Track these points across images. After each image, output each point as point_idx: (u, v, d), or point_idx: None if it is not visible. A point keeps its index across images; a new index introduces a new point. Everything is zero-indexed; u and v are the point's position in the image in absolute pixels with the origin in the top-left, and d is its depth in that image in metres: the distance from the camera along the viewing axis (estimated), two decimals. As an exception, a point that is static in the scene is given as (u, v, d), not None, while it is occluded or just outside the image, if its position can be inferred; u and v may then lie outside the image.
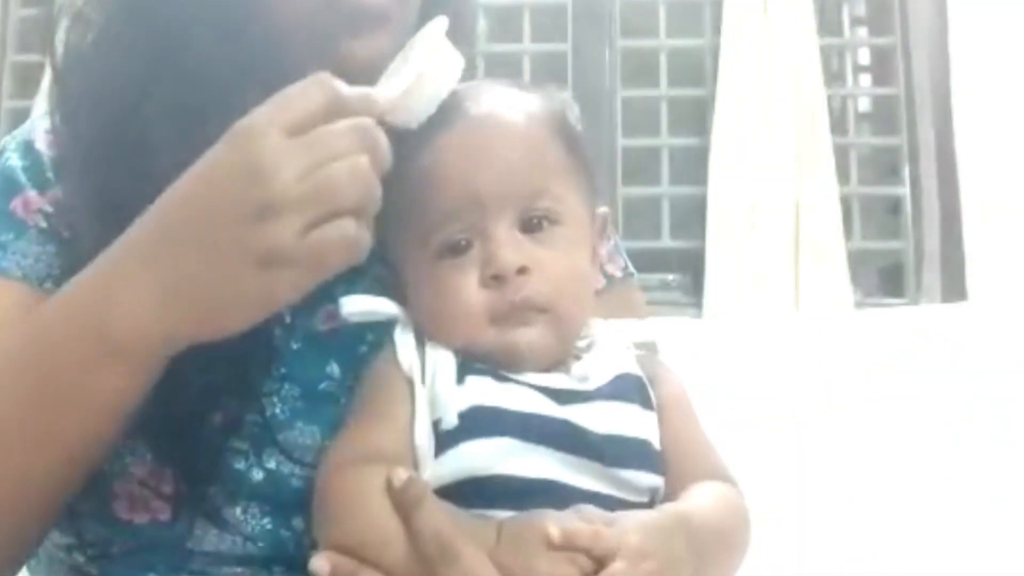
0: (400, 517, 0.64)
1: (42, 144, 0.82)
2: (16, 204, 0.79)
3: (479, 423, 0.68)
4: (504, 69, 2.13)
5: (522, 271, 0.70)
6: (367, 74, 0.74)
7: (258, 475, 0.74)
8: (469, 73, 0.75)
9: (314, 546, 0.68)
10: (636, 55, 2.22)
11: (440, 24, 0.74)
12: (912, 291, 2.07)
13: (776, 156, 2.03)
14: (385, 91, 0.70)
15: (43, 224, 0.79)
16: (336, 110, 0.64)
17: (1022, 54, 2.01)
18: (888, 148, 2.16)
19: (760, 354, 1.62)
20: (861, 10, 2.30)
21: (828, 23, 2.21)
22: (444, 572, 0.62)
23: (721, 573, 0.74)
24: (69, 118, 0.80)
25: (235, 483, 0.74)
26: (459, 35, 0.78)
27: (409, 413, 0.69)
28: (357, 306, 0.72)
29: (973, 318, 1.64)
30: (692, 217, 2.10)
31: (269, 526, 0.75)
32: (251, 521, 0.75)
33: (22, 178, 0.80)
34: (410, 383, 0.70)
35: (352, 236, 0.63)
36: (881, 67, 2.23)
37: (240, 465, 0.74)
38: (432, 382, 0.70)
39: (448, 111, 0.73)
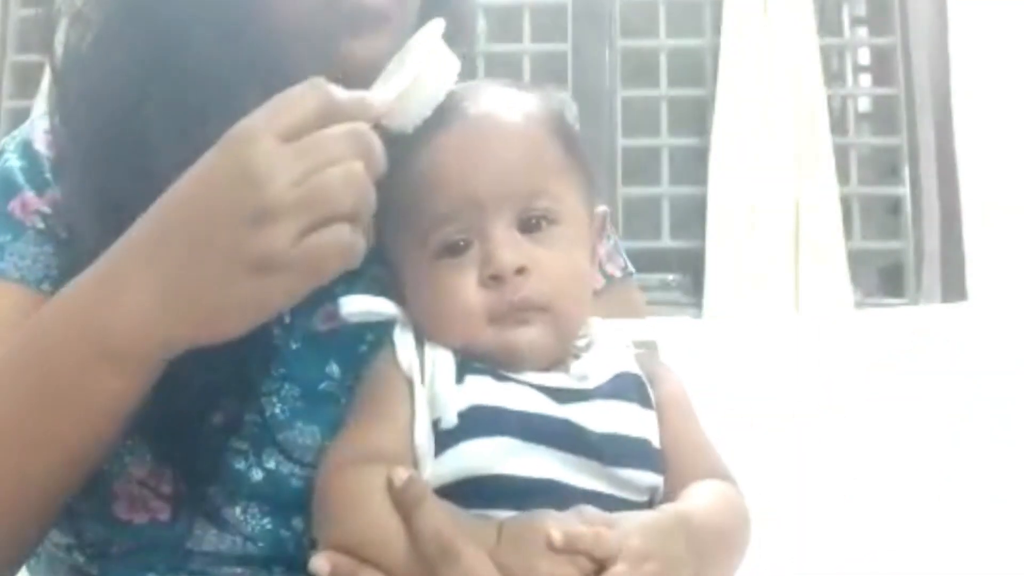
0: (400, 517, 0.64)
1: (41, 145, 0.82)
2: (14, 205, 0.79)
3: (479, 422, 0.68)
4: (504, 69, 2.13)
5: (521, 271, 0.70)
6: (367, 74, 0.74)
7: (258, 475, 0.74)
8: (469, 73, 0.75)
9: (314, 546, 0.68)
10: (636, 55, 2.22)
11: (436, 27, 0.73)
12: (912, 291, 2.07)
13: (776, 156, 2.03)
14: (380, 95, 0.70)
15: (40, 225, 0.79)
16: (331, 115, 0.64)
17: (1022, 54, 2.01)
18: (888, 148, 2.16)
19: (760, 354, 1.61)
20: (861, 10, 2.30)
21: (828, 23, 2.21)
22: (444, 572, 0.62)
23: (721, 572, 0.74)
24: (68, 118, 0.80)
25: (235, 483, 0.74)
26: (459, 35, 0.78)
27: (409, 413, 0.69)
28: (356, 306, 0.72)
29: (973, 318, 1.64)
30: (692, 217, 2.10)
31: (269, 526, 0.75)
32: (251, 521, 0.75)
33: (20, 179, 0.80)
34: (410, 383, 0.70)
35: (347, 242, 0.63)
36: (881, 67, 2.24)
37: (240, 465, 0.74)
38: (431, 382, 0.70)
39: (446, 111, 0.73)
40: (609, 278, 0.91)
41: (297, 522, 0.75)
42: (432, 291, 0.72)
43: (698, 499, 0.72)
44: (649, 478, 0.72)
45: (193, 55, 0.75)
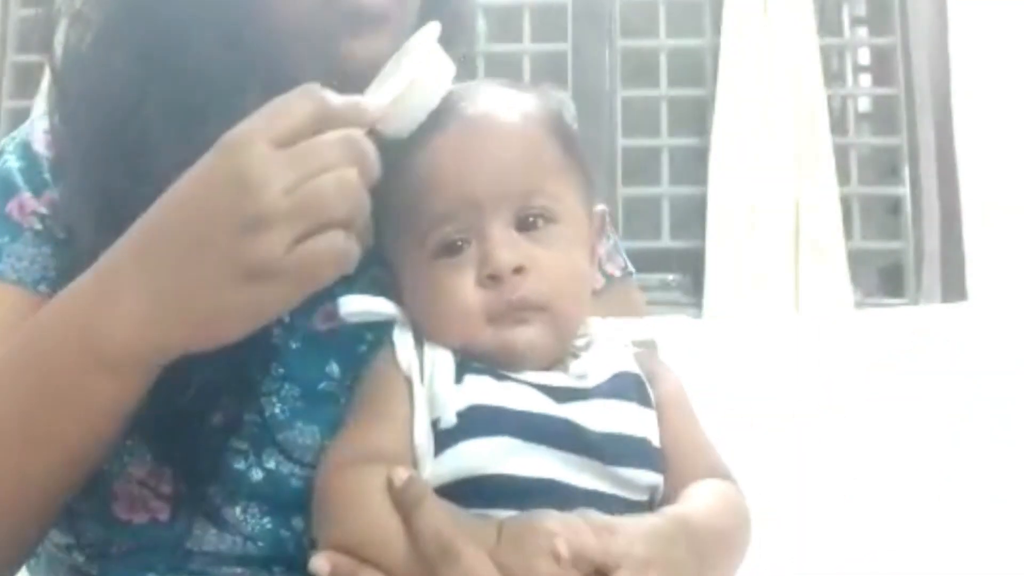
0: (400, 516, 0.64)
1: (40, 145, 0.82)
2: (12, 207, 0.79)
3: (478, 422, 0.68)
4: (504, 69, 2.13)
5: (518, 270, 0.70)
6: (367, 74, 0.74)
7: (258, 475, 0.74)
8: (469, 73, 0.75)
9: (314, 546, 0.68)
10: (636, 55, 2.22)
11: (433, 30, 0.73)
12: (912, 291, 2.07)
13: (776, 156, 2.03)
14: (375, 99, 0.70)
15: (38, 226, 0.79)
16: (325, 121, 0.64)
17: (1022, 54, 2.01)
18: (888, 148, 2.16)
19: (760, 354, 1.61)
20: (861, 10, 2.30)
21: (828, 23, 2.21)
22: (444, 572, 0.62)
23: (722, 573, 0.74)
24: (68, 118, 0.80)
25: (235, 483, 0.74)
26: (459, 35, 0.78)
27: (408, 412, 0.69)
28: (355, 306, 0.72)
29: (973, 318, 1.64)
30: (692, 217, 2.10)
31: (269, 526, 0.75)
32: (251, 521, 0.75)
33: (19, 180, 0.80)
34: (409, 382, 0.70)
35: (340, 248, 0.63)
36: (881, 67, 2.24)
37: (240, 465, 0.74)
38: (431, 381, 0.70)
39: (443, 112, 0.73)
40: (609, 278, 0.91)
41: (297, 522, 0.75)
42: (431, 291, 0.72)
43: (698, 500, 0.72)
44: (649, 477, 0.72)
45: (193, 55, 0.75)
